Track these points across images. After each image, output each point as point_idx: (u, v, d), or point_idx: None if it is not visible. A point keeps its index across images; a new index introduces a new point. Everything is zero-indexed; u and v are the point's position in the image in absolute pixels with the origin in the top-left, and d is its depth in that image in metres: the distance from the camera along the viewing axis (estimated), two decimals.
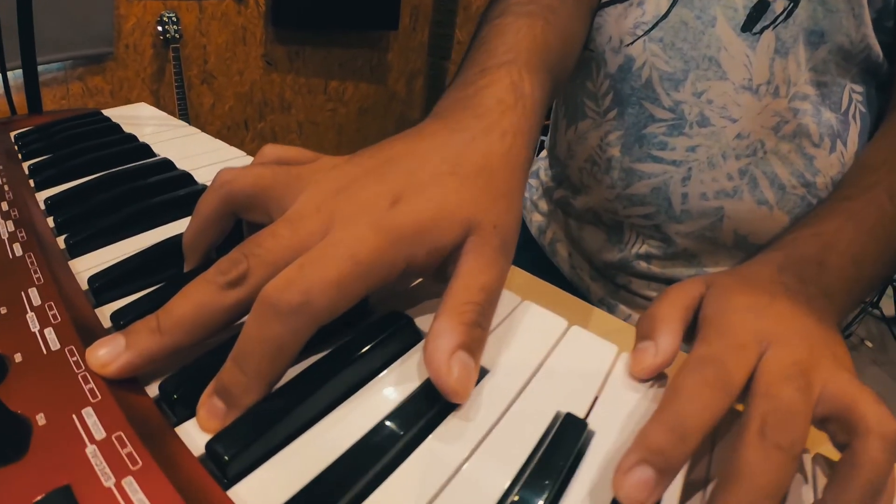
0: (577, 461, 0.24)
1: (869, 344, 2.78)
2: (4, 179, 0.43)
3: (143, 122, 0.61)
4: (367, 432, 0.22)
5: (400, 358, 0.27)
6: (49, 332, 0.24)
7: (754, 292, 0.32)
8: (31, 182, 0.44)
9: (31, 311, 0.26)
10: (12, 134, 0.57)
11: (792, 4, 0.51)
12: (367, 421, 0.23)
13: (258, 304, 0.23)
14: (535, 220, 0.78)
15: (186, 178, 0.42)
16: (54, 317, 0.25)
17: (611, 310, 0.68)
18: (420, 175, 0.29)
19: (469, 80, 0.38)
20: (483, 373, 0.27)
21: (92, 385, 0.22)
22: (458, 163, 0.31)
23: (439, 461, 0.22)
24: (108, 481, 0.18)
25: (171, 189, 0.39)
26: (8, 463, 0.19)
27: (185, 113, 2.52)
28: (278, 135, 3.26)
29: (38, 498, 0.18)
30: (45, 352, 0.23)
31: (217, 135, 2.84)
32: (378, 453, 0.21)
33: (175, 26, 2.50)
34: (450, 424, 0.24)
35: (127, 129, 0.57)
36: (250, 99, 3.03)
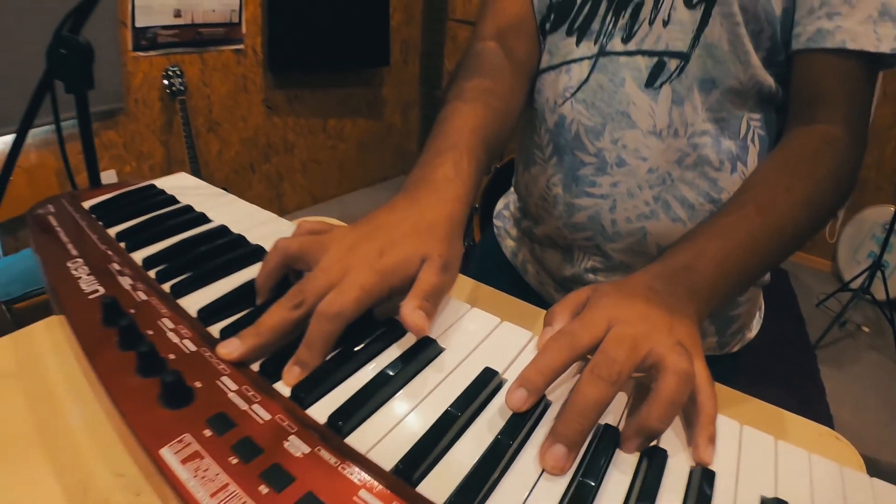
0: (492, 396, 0.40)
1: (866, 329, 2.82)
2: (105, 246, 0.59)
3: (189, 191, 0.77)
4: (378, 374, 0.40)
5: (398, 341, 0.45)
6: (186, 342, 0.42)
7: (621, 293, 0.45)
8: (122, 245, 0.61)
9: (169, 331, 0.43)
10: (86, 204, 0.73)
11: (684, 62, 0.62)
12: (380, 368, 0.41)
13: (317, 315, 0.41)
14: (509, 245, 0.92)
15: (241, 240, 0.59)
16: (184, 334, 0.43)
17: None
18: (394, 235, 0.47)
19: (427, 161, 0.56)
20: (440, 349, 0.44)
21: (223, 366, 0.39)
22: (417, 224, 0.49)
23: (413, 397, 0.40)
24: (244, 406, 0.36)
25: (232, 249, 0.57)
26: (184, 406, 0.36)
27: (194, 160, 2.62)
28: (283, 175, 3.35)
29: (208, 418, 0.35)
30: (187, 352, 0.41)
31: (226, 179, 2.94)
32: (385, 383, 0.39)
33: (180, 79, 2.62)
34: (420, 378, 0.41)
35: (178, 198, 0.73)
36: (255, 143, 3.14)
